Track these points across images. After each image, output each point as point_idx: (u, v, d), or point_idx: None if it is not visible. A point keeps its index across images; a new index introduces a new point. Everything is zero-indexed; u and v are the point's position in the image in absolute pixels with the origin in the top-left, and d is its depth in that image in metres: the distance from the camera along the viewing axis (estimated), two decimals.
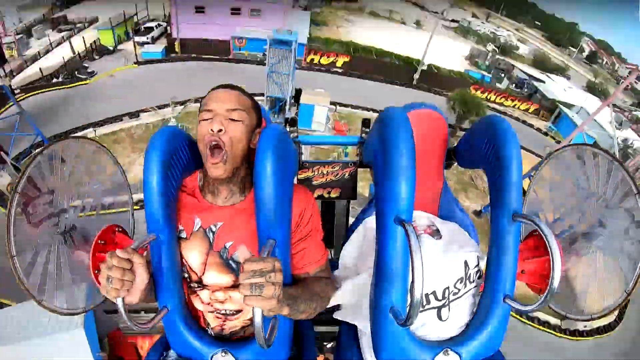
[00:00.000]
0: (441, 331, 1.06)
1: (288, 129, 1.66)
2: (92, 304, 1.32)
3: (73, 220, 1.30)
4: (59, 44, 21.59)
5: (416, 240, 0.78)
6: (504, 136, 1.00)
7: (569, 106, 23.32)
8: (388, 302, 0.93)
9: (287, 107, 13.73)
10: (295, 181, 1.72)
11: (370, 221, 1.28)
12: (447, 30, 37.06)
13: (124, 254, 0.79)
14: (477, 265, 1.11)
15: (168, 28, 23.47)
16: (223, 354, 1.01)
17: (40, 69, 17.71)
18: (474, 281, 1.11)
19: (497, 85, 26.41)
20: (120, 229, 1.32)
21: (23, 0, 29.10)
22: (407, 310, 0.78)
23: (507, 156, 0.98)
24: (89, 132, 13.22)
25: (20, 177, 1.13)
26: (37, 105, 14.76)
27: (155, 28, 23.11)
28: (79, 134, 12.89)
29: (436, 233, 1.19)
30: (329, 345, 2.10)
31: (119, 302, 0.79)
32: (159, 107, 15.24)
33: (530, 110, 23.60)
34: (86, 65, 18.87)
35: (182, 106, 15.38)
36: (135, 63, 19.67)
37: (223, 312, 1.05)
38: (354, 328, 1.25)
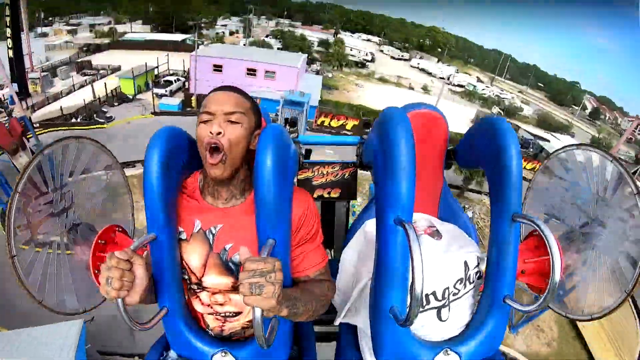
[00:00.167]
0: (441, 331, 1.06)
1: (288, 129, 1.66)
2: (92, 305, 1.32)
3: (73, 220, 1.30)
4: (81, 86, 22.72)
5: (416, 241, 0.78)
6: (504, 136, 1.00)
7: None
8: (388, 302, 0.93)
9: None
10: (295, 181, 1.72)
11: (370, 224, 1.28)
12: (454, 95, 38.14)
13: (124, 255, 0.79)
14: (477, 265, 1.11)
15: (186, 83, 24.58)
16: (223, 354, 1.01)
17: (61, 107, 18.41)
18: (473, 282, 1.11)
19: None
20: (120, 229, 1.33)
21: (53, 40, 31.50)
22: (407, 311, 0.78)
23: (507, 156, 0.98)
24: (102, 175, 13.69)
25: (21, 177, 1.13)
26: (52, 139, 15.50)
27: (174, 82, 24.10)
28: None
29: (436, 233, 1.19)
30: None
31: (119, 302, 0.79)
32: None
33: (536, 170, 24.16)
34: (105, 110, 19.56)
35: None
36: (152, 113, 20.26)
37: (223, 314, 1.05)
38: (353, 328, 1.25)
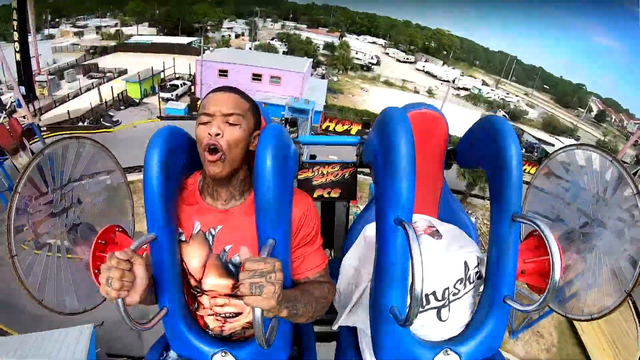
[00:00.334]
0: (441, 331, 1.06)
1: (288, 129, 1.66)
2: (92, 305, 1.32)
3: (73, 220, 1.30)
4: (88, 89, 22.77)
5: (416, 241, 0.78)
6: (504, 136, 1.00)
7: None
8: (388, 302, 0.93)
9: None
10: (295, 182, 1.72)
11: (370, 228, 1.28)
12: (458, 99, 38.01)
13: (124, 255, 0.79)
14: (477, 265, 1.11)
15: (192, 87, 24.55)
16: (223, 354, 1.01)
17: (68, 111, 18.50)
18: (473, 282, 1.11)
19: None
20: (120, 229, 1.33)
21: (59, 42, 31.54)
22: (407, 311, 0.78)
23: (507, 156, 0.98)
24: (107, 179, 13.91)
25: (21, 177, 1.13)
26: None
27: (180, 86, 24.09)
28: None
29: (436, 233, 1.19)
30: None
31: (119, 302, 0.79)
32: None
33: (537, 169, 24.14)
34: (111, 113, 19.56)
35: None
36: (158, 117, 20.25)
37: (223, 314, 1.05)
38: (353, 328, 1.25)
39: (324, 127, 21.83)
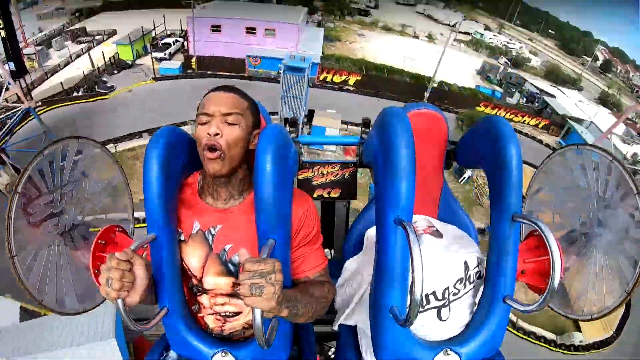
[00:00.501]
0: (441, 331, 1.06)
1: (288, 129, 1.66)
2: (92, 305, 1.32)
3: (73, 220, 1.30)
4: (78, 56, 21.98)
5: (416, 241, 0.78)
6: (504, 137, 1.00)
7: (579, 121, 23.01)
8: (388, 302, 0.93)
9: (300, 128, 14.31)
10: (295, 181, 1.72)
11: (371, 232, 1.29)
12: (460, 44, 37.13)
13: (124, 256, 0.79)
14: (477, 265, 1.11)
15: (185, 44, 23.75)
16: (223, 354, 1.01)
17: (61, 83, 17.98)
18: (473, 282, 1.11)
19: (508, 99, 26.02)
20: (120, 229, 1.32)
21: (42, 9, 29.78)
22: (407, 311, 0.78)
23: (507, 156, 0.98)
24: (110, 148, 13.41)
25: (21, 177, 1.13)
26: (58, 118, 14.92)
27: (172, 44, 23.44)
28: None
29: (436, 233, 1.19)
30: (330, 352, 2.10)
31: (119, 303, 0.79)
32: (176, 126, 15.81)
33: (540, 126, 23.38)
34: (105, 79, 19.09)
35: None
36: (153, 79, 19.85)
37: (223, 314, 1.05)
38: (353, 328, 1.25)
39: (321, 78, 21.44)
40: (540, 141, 21.74)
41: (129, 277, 0.80)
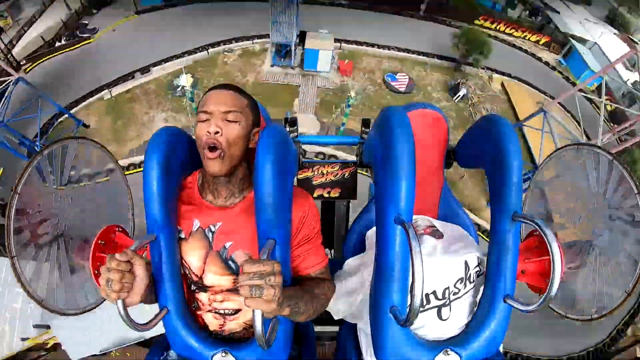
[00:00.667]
0: (441, 331, 1.06)
1: (288, 129, 1.66)
2: (92, 304, 1.32)
3: (73, 220, 1.30)
4: (52, 0, 19.62)
5: (416, 240, 0.77)
6: (504, 136, 1.00)
7: (583, 41, 21.34)
8: (388, 302, 0.93)
9: (292, 52, 14.09)
10: (295, 181, 1.72)
11: (372, 232, 1.29)
12: None
13: (124, 256, 0.79)
14: (477, 265, 1.11)
15: None
16: (223, 354, 1.01)
17: (42, 37, 16.68)
18: (473, 281, 1.11)
19: (510, 11, 23.84)
20: (120, 229, 1.32)
21: None
22: (407, 311, 0.78)
23: (507, 156, 0.98)
24: (105, 94, 13.05)
25: (20, 178, 1.13)
26: (45, 73, 14.18)
27: None
28: (95, 97, 12.86)
29: (436, 233, 1.19)
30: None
31: (119, 304, 0.79)
32: (167, 60, 14.74)
33: (540, 43, 21.87)
34: (86, 22, 17.68)
35: (191, 55, 14.80)
36: (135, 13, 18.35)
37: (222, 311, 1.05)
38: (353, 328, 1.25)
39: None
40: (540, 59, 20.60)
41: (129, 277, 0.80)
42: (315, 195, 1.82)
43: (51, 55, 15.57)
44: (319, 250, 1.07)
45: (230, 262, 1.01)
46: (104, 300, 1.22)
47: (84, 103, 12.97)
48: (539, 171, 1.59)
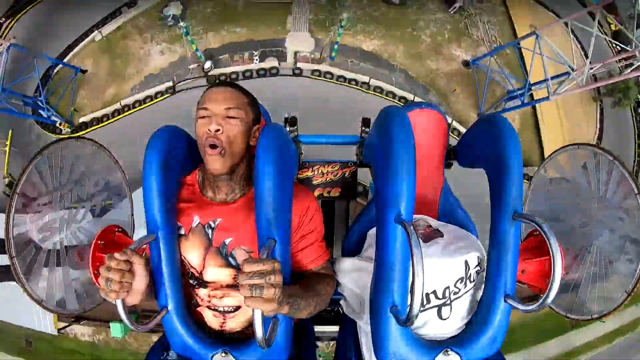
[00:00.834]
0: (442, 330, 1.06)
1: (288, 129, 1.66)
2: (92, 305, 1.32)
3: (72, 220, 1.30)
4: None
5: (416, 240, 0.77)
6: (505, 136, 1.00)
7: None
8: (388, 301, 0.93)
9: None
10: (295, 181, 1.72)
11: (373, 232, 1.29)
12: None
13: (123, 256, 0.79)
14: (478, 265, 1.11)
15: None
16: (223, 354, 1.01)
17: None
18: (474, 281, 1.11)
19: None
20: (120, 229, 1.32)
21: None
22: (408, 310, 0.77)
23: (508, 156, 0.97)
24: (95, 35, 11.85)
25: (20, 178, 1.13)
26: (26, 27, 12.56)
27: None
28: (87, 40, 11.78)
29: (436, 233, 1.18)
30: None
31: (119, 303, 0.79)
32: None
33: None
34: None
35: None
36: None
37: (221, 309, 1.05)
38: (354, 327, 1.25)
39: None
40: None
41: (129, 277, 0.80)
42: (315, 194, 1.82)
43: (30, 6, 13.31)
44: (321, 245, 1.07)
45: (230, 258, 1.01)
46: (104, 300, 1.22)
47: (76, 49, 11.85)
48: (540, 171, 1.59)
